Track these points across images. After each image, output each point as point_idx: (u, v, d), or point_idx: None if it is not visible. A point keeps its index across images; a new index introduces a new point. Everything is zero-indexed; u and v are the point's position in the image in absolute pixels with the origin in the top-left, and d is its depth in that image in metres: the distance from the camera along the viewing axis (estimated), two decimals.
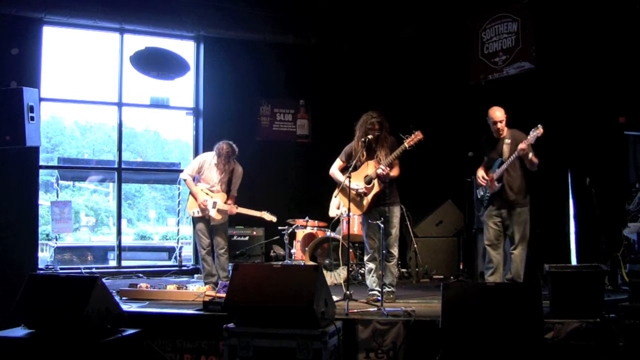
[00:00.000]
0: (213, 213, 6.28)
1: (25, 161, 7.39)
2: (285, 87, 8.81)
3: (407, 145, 5.29)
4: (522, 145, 5.11)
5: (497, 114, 5.41)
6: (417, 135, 5.28)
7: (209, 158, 6.40)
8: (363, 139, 5.39)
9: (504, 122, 5.40)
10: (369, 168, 5.45)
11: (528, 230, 5.37)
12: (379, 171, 5.31)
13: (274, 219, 6.57)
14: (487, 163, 5.60)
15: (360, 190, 5.41)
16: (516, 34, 7.42)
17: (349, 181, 5.30)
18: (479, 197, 5.67)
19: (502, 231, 5.45)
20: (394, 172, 5.39)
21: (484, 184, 5.48)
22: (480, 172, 5.56)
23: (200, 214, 6.32)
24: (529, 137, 5.09)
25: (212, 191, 6.37)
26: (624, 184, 6.61)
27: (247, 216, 6.57)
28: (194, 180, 6.41)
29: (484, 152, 5.64)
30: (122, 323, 4.16)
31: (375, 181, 5.41)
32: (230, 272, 4.57)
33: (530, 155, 5.17)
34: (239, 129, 8.01)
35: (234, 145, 6.33)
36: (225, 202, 6.35)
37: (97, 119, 14.77)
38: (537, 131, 5.04)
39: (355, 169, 5.47)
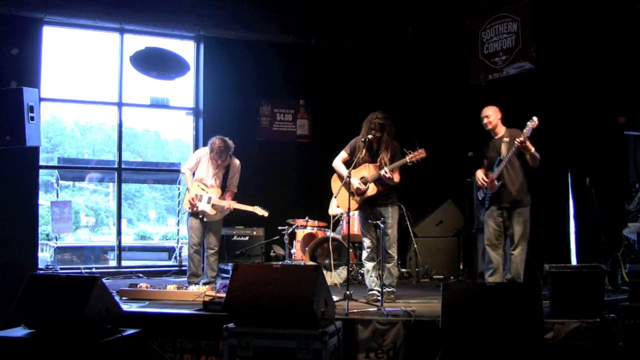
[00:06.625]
0: (207, 208, 6.24)
1: (25, 161, 7.38)
2: (285, 87, 8.82)
3: (408, 160, 5.31)
4: (519, 139, 5.11)
5: (488, 111, 5.49)
6: (421, 153, 5.29)
7: (205, 153, 6.39)
8: (363, 139, 5.39)
9: (490, 118, 5.46)
10: (367, 170, 5.47)
11: (528, 230, 5.37)
12: (382, 172, 5.30)
13: (265, 213, 6.39)
14: (488, 165, 5.60)
15: (360, 187, 5.41)
16: (516, 34, 7.42)
17: (349, 181, 5.31)
18: (479, 199, 5.66)
19: (502, 231, 5.45)
20: (395, 179, 5.38)
21: (484, 185, 5.47)
22: (480, 174, 5.55)
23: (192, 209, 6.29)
24: (524, 131, 5.10)
25: (206, 186, 6.35)
26: (624, 184, 6.61)
27: (247, 215, 6.53)
28: (193, 175, 6.40)
29: (483, 152, 5.64)
30: (122, 323, 4.16)
31: (372, 184, 5.42)
32: (230, 272, 4.55)
33: (531, 148, 5.17)
34: (239, 129, 7.99)
35: (228, 141, 6.28)
36: (220, 198, 6.31)
37: (97, 119, 14.77)
38: (532, 123, 5.06)
39: (354, 167, 5.47)
